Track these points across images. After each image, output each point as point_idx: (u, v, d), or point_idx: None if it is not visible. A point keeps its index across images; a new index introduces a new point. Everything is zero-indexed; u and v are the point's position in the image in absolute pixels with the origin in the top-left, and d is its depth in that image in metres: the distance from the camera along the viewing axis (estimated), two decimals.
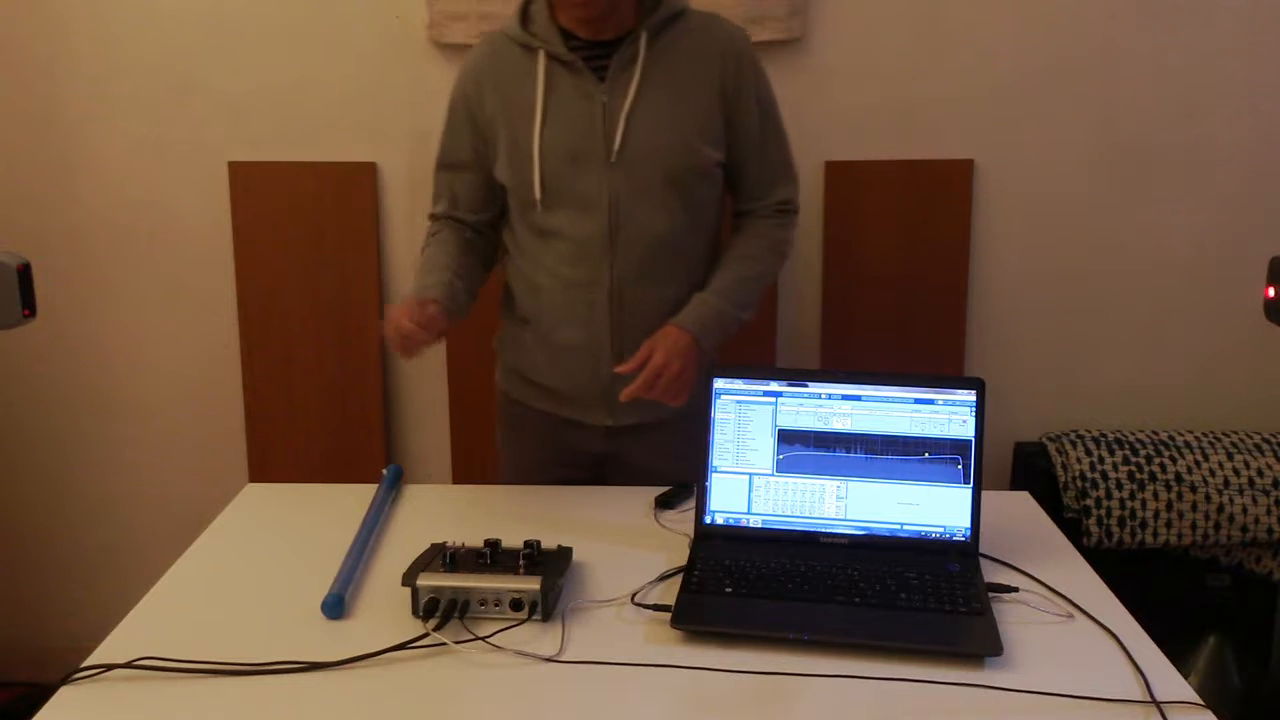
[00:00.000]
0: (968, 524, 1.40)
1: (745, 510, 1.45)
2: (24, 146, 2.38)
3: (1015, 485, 2.43)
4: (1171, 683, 1.14)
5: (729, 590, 1.30)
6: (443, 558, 1.30)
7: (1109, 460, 2.27)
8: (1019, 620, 1.28)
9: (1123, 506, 2.23)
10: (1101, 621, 1.27)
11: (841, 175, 2.35)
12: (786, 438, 1.44)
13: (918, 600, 1.27)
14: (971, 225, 2.38)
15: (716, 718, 1.08)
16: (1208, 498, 2.22)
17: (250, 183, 2.38)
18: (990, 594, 1.31)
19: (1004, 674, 1.16)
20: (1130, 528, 2.23)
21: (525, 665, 1.18)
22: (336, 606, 1.28)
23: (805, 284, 2.42)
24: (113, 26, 2.32)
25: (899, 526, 1.42)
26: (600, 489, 1.70)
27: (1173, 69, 2.31)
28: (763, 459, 1.45)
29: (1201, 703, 1.10)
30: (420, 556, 1.33)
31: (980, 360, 2.46)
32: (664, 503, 1.61)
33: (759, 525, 1.45)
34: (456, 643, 1.22)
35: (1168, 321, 2.43)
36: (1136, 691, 1.13)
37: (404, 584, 1.26)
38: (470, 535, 1.50)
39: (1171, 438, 2.34)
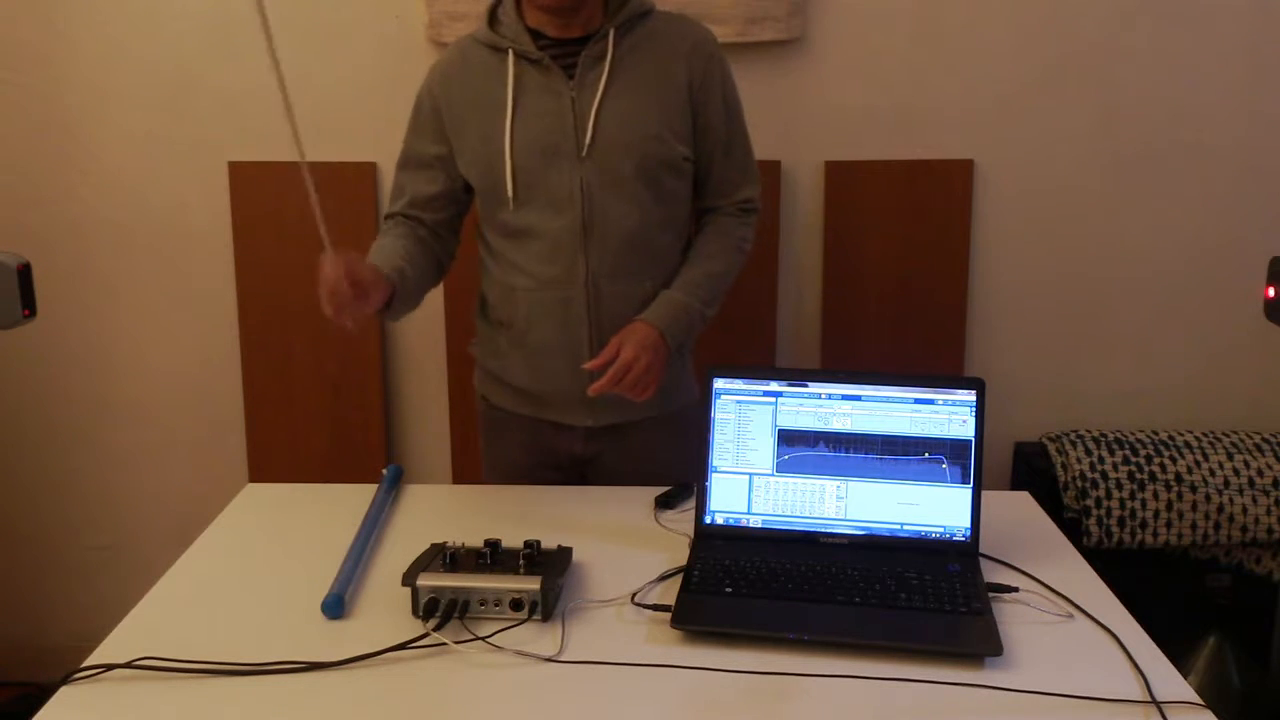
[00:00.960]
0: (968, 524, 1.40)
1: (745, 510, 1.45)
2: (24, 146, 2.38)
3: (1015, 485, 2.44)
4: (1171, 683, 1.14)
5: (729, 590, 1.30)
6: (443, 558, 1.30)
7: (1109, 460, 2.27)
8: (1019, 620, 1.28)
9: (1123, 506, 2.23)
10: (1101, 621, 1.27)
11: (841, 175, 2.35)
12: (786, 438, 1.44)
13: (918, 600, 1.27)
14: (971, 225, 2.38)
15: (716, 718, 1.08)
16: (1208, 498, 2.22)
17: (250, 183, 2.38)
18: (990, 594, 1.31)
19: (1004, 674, 1.16)
20: (1130, 528, 2.23)
21: (525, 665, 1.18)
22: (336, 606, 1.28)
23: (805, 284, 2.42)
24: (113, 26, 2.32)
25: (899, 526, 1.42)
26: (600, 489, 1.70)
27: (1173, 69, 2.31)
28: (763, 459, 1.45)
29: (1201, 703, 1.10)
30: (420, 556, 1.33)
31: (980, 360, 2.45)
32: (664, 503, 1.61)
33: (759, 525, 1.45)
34: (456, 643, 1.22)
35: (1168, 321, 2.43)
36: (1136, 691, 1.13)
37: (404, 584, 1.26)
38: (470, 535, 1.50)
39: (1171, 438, 2.34)
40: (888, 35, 2.30)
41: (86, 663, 1.18)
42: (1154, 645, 1.22)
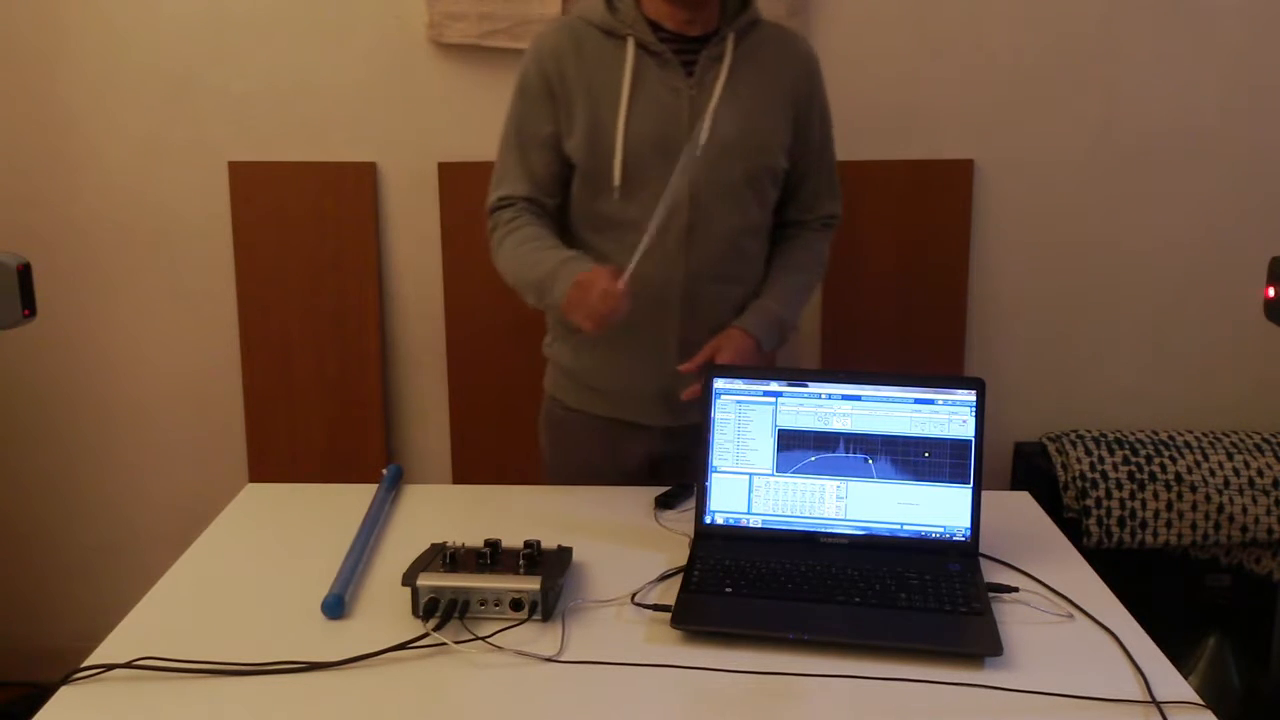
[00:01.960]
0: (968, 524, 1.40)
1: (745, 510, 1.45)
2: (25, 146, 2.38)
3: (1015, 485, 2.43)
4: (1171, 683, 1.14)
5: (729, 590, 1.30)
6: (443, 558, 1.30)
7: (1109, 460, 2.27)
8: (1019, 620, 1.28)
9: (1123, 506, 2.23)
10: (1101, 621, 1.27)
11: (841, 175, 2.34)
12: (786, 438, 1.44)
13: (918, 600, 1.27)
14: (971, 225, 2.38)
15: (716, 718, 1.08)
16: (1208, 498, 2.22)
17: (250, 183, 2.38)
18: (990, 594, 1.31)
19: (1004, 674, 1.16)
20: (1130, 528, 2.23)
21: (525, 665, 1.18)
22: (336, 606, 1.28)
23: None
24: (113, 26, 2.32)
25: (899, 526, 1.42)
26: (601, 489, 1.70)
27: (1173, 69, 2.31)
28: (763, 459, 1.44)
29: (1201, 703, 1.10)
30: (420, 556, 1.33)
31: (980, 360, 2.45)
32: (664, 503, 1.61)
33: (759, 525, 1.44)
34: (456, 643, 1.22)
35: (1168, 321, 2.43)
36: (1136, 691, 1.13)
37: (404, 584, 1.26)
38: (470, 535, 1.50)
39: (1171, 438, 2.34)
40: (888, 35, 2.30)
41: (86, 663, 1.18)
42: (1154, 645, 1.22)
